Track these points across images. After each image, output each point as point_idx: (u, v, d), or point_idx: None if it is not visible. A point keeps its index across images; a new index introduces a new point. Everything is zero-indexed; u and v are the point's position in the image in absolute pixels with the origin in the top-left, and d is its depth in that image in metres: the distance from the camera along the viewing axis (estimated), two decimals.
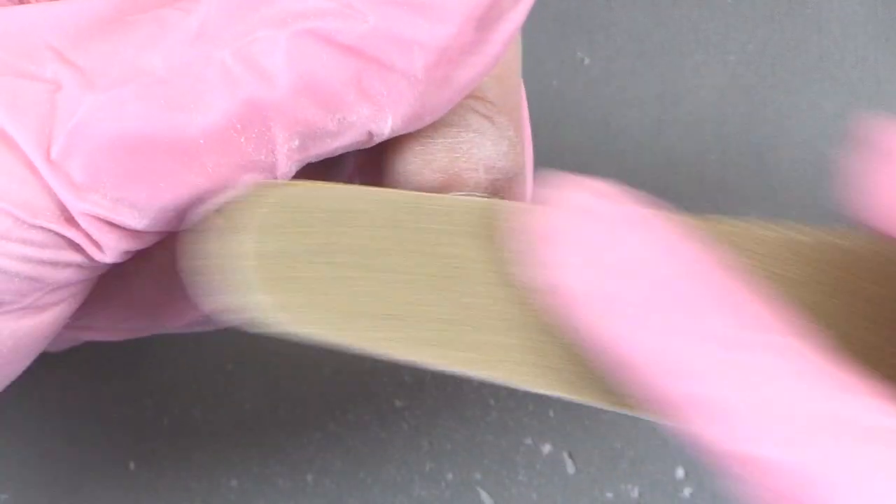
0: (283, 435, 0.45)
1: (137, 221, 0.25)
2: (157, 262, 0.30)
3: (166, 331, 0.32)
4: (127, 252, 0.26)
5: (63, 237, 0.25)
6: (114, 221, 0.25)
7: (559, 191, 0.24)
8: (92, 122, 0.24)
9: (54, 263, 0.25)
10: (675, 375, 0.22)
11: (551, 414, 0.45)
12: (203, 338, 0.45)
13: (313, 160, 0.25)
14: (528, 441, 0.45)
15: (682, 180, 0.50)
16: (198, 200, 0.25)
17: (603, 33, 0.52)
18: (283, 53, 0.24)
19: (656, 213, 0.24)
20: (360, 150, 0.29)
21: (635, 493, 0.45)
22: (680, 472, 0.45)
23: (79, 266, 0.26)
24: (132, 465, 0.44)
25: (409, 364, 0.25)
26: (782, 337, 0.23)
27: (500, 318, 0.25)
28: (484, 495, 0.44)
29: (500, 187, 0.27)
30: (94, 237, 0.25)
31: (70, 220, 0.25)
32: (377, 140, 0.25)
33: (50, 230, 0.25)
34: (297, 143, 0.25)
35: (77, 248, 0.25)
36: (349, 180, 0.33)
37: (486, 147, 0.27)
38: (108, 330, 0.31)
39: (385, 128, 0.25)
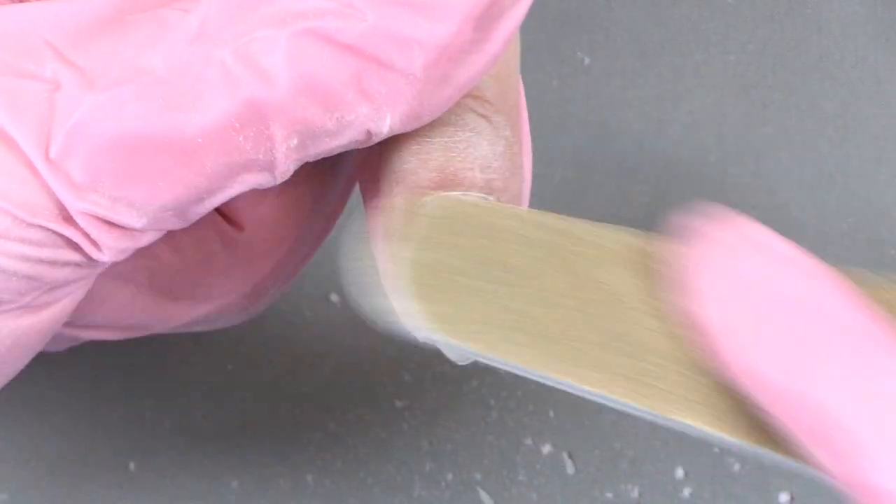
0: (283, 435, 0.45)
1: (136, 221, 0.25)
2: (155, 262, 0.30)
3: (166, 331, 0.32)
4: (125, 251, 0.26)
5: (62, 236, 0.25)
6: (112, 221, 0.25)
7: (711, 224, 0.25)
8: (91, 122, 0.24)
9: (53, 262, 0.25)
10: (804, 404, 0.23)
11: (551, 414, 0.45)
12: (203, 338, 0.45)
13: (312, 159, 0.25)
14: (528, 441, 0.45)
15: (682, 180, 0.50)
16: (196, 200, 0.25)
17: (603, 33, 0.52)
18: (282, 53, 0.24)
19: (801, 253, 0.25)
20: (361, 151, 0.29)
21: (635, 493, 0.45)
22: (680, 472, 0.45)
23: (77, 265, 0.26)
24: (132, 465, 0.44)
25: (551, 384, 0.25)
26: None
27: (650, 347, 0.25)
28: (484, 495, 0.44)
29: (496, 187, 0.27)
30: (92, 236, 0.25)
31: (69, 219, 0.25)
32: (376, 139, 0.25)
33: (48, 229, 0.25)
34: (295, 142, 0.24)
35: (75, 247, 0.25)
36: (349, 180, 0.33)
37: (482, 146, 0.27)
38: (108, 329, 0.31)
39: (384, 127, 0.25)
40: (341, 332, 0.46)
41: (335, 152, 0.25)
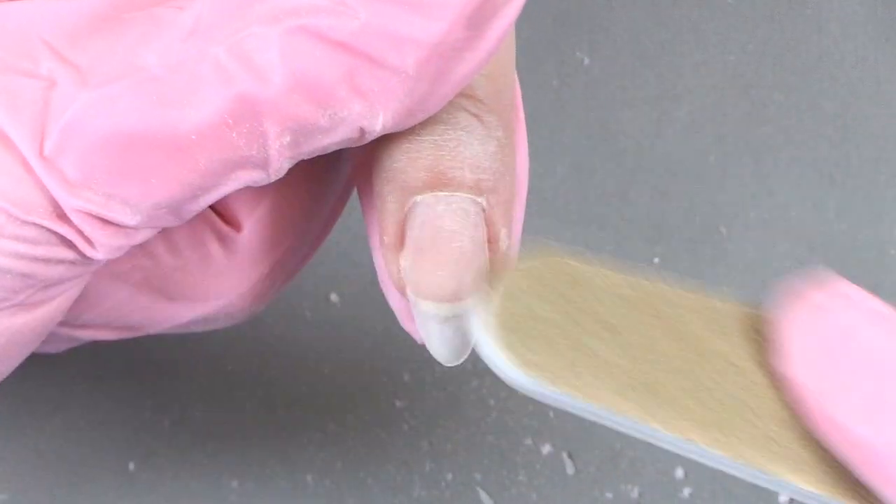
0: (283, 435, 0.45)
1: (130, 218, 0.25)
2: (151, 261, 0.30)
3: (163, 331, 0.32)
4: (120, 248, 0.26)
5: (56, 234, 0.25)
6: (106, 218, 0.25)
7: (808, 287, 0.25)
8: (85, 119, 0.24)
9: (47, 260, 0.25)
10: None
11: (551, 415, 0.45)
12: (203, 338, 0.45)
13: (306, 157, 0.25)
14: (528, 441, 0.45)
15: (682, 180, 0.50)
16: (190, 197, 0.25)
17: (603, 33, 0.52)
18: (275, 50, 0.24)
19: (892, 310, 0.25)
20: (356, 153, 0.29)
21: (635, 494, 0.45)
22: (680, 472, 0.45)
23: (72, 263, 0.26)
24: (132, 465, 0.44)
25: (653, 439, 0.25)
26: None
27: (755, 408, 0.26)
28: (484, 496, 0.44)
29: (486, 188, 0.27)
30: (86, 234, 0.25)
31: (63, 216, 0.25)
32: (369, 137, 0.25)
33: (43, 227, 0.25)
34: (288, 139, 0.24)
35: (70, 244, 0.25)
36: (348, 181, 0.33)
37: (473, 146, 0.27)
38: (105, 329, 0.31)
39: (377, 124, 0.25)
40: (341, 332, 0.46)
41: (329, 150, 0.25)
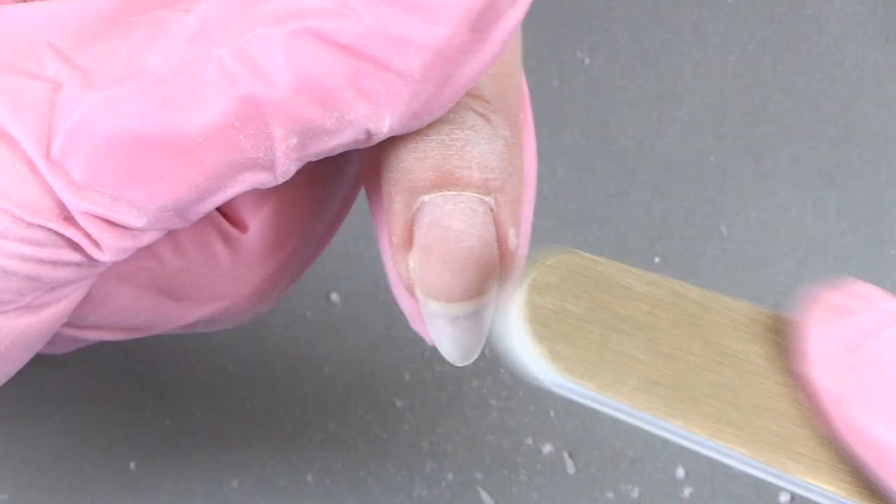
0: (283, 434, 0.45)
1: (136, 220, 0.25)
2: (156, 262, 0.30)
3: (166, 331, 0.32)
4: (126, 251, 0.26)
5: (62, 236, 0.25)
6: (113, 220, 0.25)
7: (830, 291, 0.25)
8: (91, 121, 0.24)
9: (53, 262, 0.25)
10: None
11: (552, 414, 0.45)
12: (203, 338, 0.45)
13: (313, 159, 0.25)
14: (529, 441, 0.45)
15: (682, 180, 0.50)
16: (196, 199, 0.25)
17: (603, 33, 0.52)
18: (280, 52, 0.24)
19: None
20: (364, 154, 0.29)
21: (635, 493, 0.45)
22: (680, 472, 0.45)
23: (77, 265, 0.26)
24: (132, 465, 0.44)
25: (670, 434, 0.26)
26: None
27: (774, 409, 0.26)
28: (484, 495, 0.44)
29: (494, 187, 0.27)
30: (93, 236, 0.25)
31: (69, 218, 0.25)
32: (376, 139, 0.25)
33: (49, 229, 0.25)
34: (295, 141, 0.24)
35: (76, 247, 0.25)
36: (354, 183, 0.33)
37: (480, 145, 0.27)
38: (109, 330, 0.31)
39: (383, 126, 0.25)
40: (341, 332, 0.46)
41: (336, 152, 0.25)
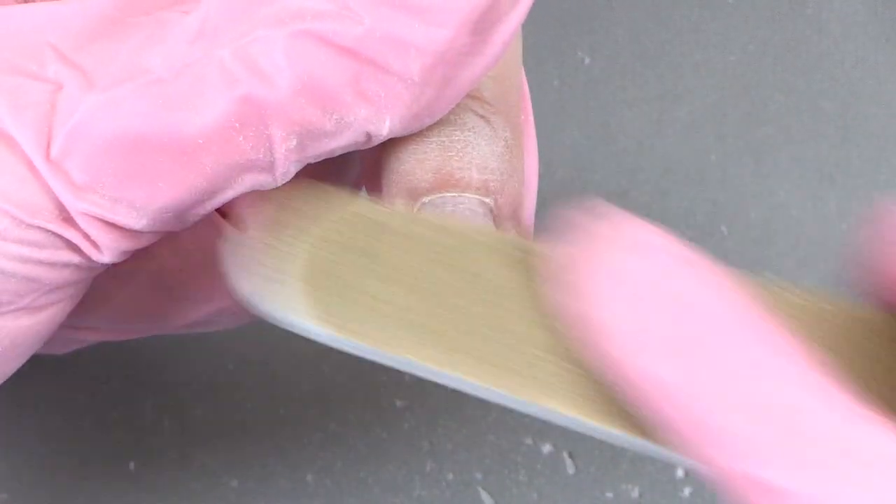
0: (283, 435, 0.45)
1: (136, 221, 0.25)
2: (156, 263, 0.30)
3: (166, 331, 0.32)
4: (125, 252, 0.26)
5: (61, 237, 0.25)
6: (112, 221, 0.25)
7: (601, 223, 0.25)
8: (91, 122, 0.24)
9: (52, 264, 0.25)
10: (698, 407, 0.23)
11: None
12: (203, 338, 0.45)
13: (312, 161, 0.25)
14: (529, 441, 0.45)
15: (682, 180, 0.50)
16: (196, 201, 0.25)
17: (603, 33, 0.52)
18: (281, 53, 0.24)
19: (695, 254, 0.25)
20: (366, 155, 0.29)
21: (635, 493, 0.45)
22: (680, 472, 0.45)
23: (77, 266, 0.26)
24: (132, 465, 0.44)
25: (435, 378, 0.25)
26: (810, 372, 0.23)
27: (532, 340, 0.25)
28: (484, 495, 0.44)
29: (494, 188, 0.27)
30: (92, 237, 0.25)
31: (68, 219, 0.25)
32: (376, 141, 0.25)
33: (48, 230, 0.25)
34: (294, 142, 0.25)
35: (75, 248, 0.25)
36: (356, 185, 0.33)
37: (480, 147, 0.27)
38: (107, 330, 0.31)
39: (383, 129, 0.25)
40: None
41: (336, 154, 0.25)
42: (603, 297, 0.24)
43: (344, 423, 0.45)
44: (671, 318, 0.23)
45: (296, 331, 0.25)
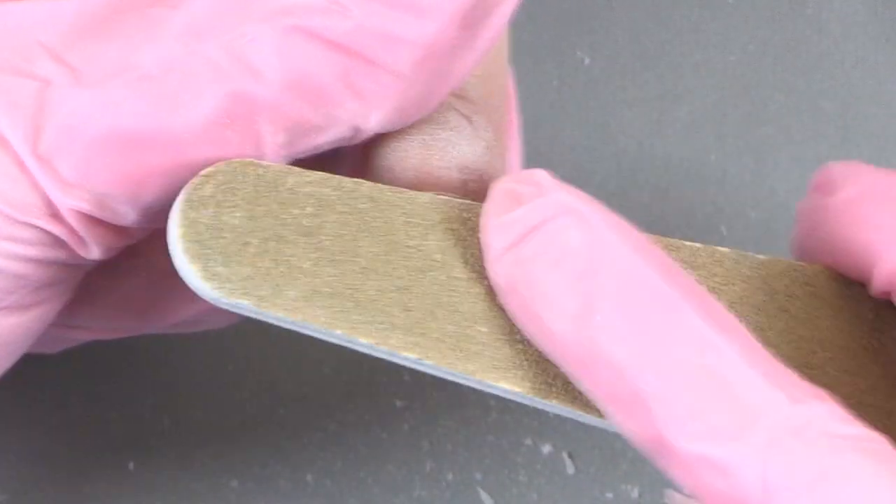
0: (283, 435, 0.45)
1: (124, 217, 0.25)
2: (145, 260, 0.30)
3: (157, 331, 0.32)
4: (114, 249, 0.26)
5: (49, 234, 0.25)
6: (101, 217, 0.25)
7: (522, 185, 0.25)
8: (80, 118, 0.24)
9: (40, 260, 0.25)
10: (625, 370, 0.23)
11: (551, 414, 0.45)
12: (203, 338, 0.45)
13: (301, 156, 0.25)
14: (529, 441, 0.45)
15: (682, 180, 0.50)
16: None
17: (603, 33, 0.52)
18: (270, 49, 0.24)
19: (590, 202, 0.25)
20: (354, 152, 0.29)
21: (635, 494, 0.45)
22: None
23: (65, 263, 0.26)
24: (132, 465, 0.44)
25: (362, 351, 0.25)
26: (748, 342, 0.23)
27: (459, 309, 0.25)
28: (484, 495, 0.44)
29: (474, 189, 0.27)
30: (80, 233, 0.25)
31: (57, 215, 0.25)
32: (363, 136, 0.26)
33: (37, 227, 0.25)
34: (283, 138, 0.25)
35: (63, 245, 0.25)
36: None
37: (461, 146, 0.27)
38: (97, 329, 0.31)
39: (371, 123, 0.25)
40: None
41: (323, 149, 0.26)
42: (529, 263, 0.24)
43: (344, 423, 0.45)
44: (598, 282, 0.23)
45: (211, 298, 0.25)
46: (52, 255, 0.25)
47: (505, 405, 0.45)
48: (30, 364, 0.29)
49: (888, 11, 0.52)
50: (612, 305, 0.23)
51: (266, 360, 0.45)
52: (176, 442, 0.44)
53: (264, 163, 0.25)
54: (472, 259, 0.26)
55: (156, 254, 0.30)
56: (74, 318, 0.30)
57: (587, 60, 0.51)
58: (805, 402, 0.22)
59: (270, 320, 0.25)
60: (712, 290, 0.27)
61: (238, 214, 0.24)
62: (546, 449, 0.45)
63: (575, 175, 0.49)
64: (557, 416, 0.45)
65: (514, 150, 0.30)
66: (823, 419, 0.22)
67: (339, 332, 0.25)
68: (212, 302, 0.24)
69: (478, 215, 0.26)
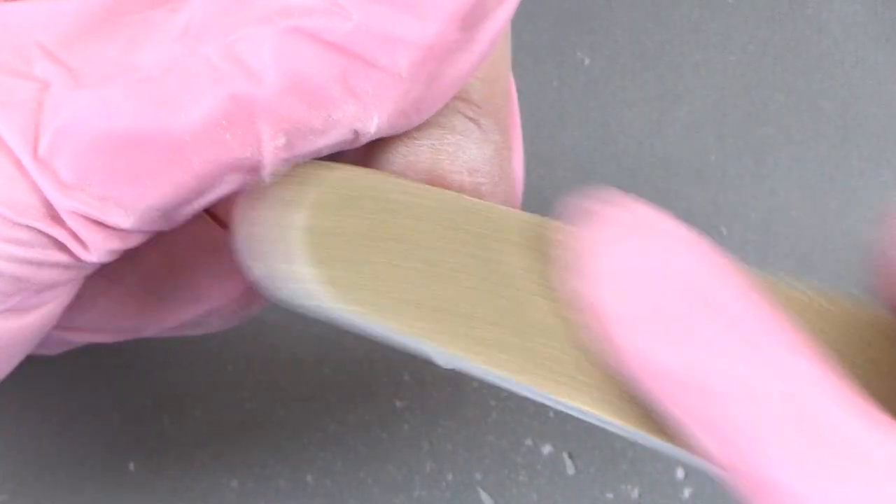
0: (283, 435, 0.45)
1: (124, 220, 0.25)
2: (145, 263, 0.30)
3: (156, 334, 0.32)
4: (113, 251, 0.26)
5: (49, 236, 0.25)
6: (100, 220, 0.25)
7: (608, 207, 0.25)
8: (78, 120, 0.24)
9: (40, 263, 0.25)
10: (698, 392, 0.22)
11: (551, 415, 0.45)
12: (203, 338, 0.45)
13: (300, 159, 0.25)
14: (529, 442, 0.45)
15: (682, 180, 0.50)
16: (184, 199, 0.25)
17: (603, 33, 0.52)
18: (268, 51, 0.24)
19: (698, 238, 0.25)
20: (355, 155, 0.29)
21: (635, 494, 0.45)
22: (680, 473, 0.45)
23: (65, 266, 0.26)
24: (132, 465, 0.44)
25: (436, 359, 0.25)
26: (809, 364, 0.23)
27: (540, 327, 0.25)
28: (484, 496, 0.44)
29: (484, 191, 0.27)
30: (80, 236, 0.25)
31: (56, 218, 0.25)
32: (363, 140, 0.25)
33: (36, 229, 0.25)
34: (282, 140, 0.25)
35: (63, 247, 0.25)
36: None
37: (470, 150, 0.27)
38: (96, 332, 0.31)
39: (371, 126, 0.25)
40: (341, 332, 0.46)
41: (323, 153, 0.25)
42: (606, 280, 0.24)
43: (344, 423, 0.45)
44: (677, 303, 0.23)
45: (305, 310, 0.25)
46: (51, 258, 0.25)
47: (505, 405, 0.45)
48: (30, 364, 0.29)
49: (888, 11, 0.52)
50: (717, 338, 0.23)
51: (266, 360, 0.45)
52: (176, 442, 0.44)
53: (371, 171, 0.25)
54: (553, 276, 0.25)
55: (155, 257, 0.30)
56: (74, 320, 0.30)
57: (587, 60, 0.51)
58: (889, 437, 0.22)
59: (370, 329, 0.25)
60: (809, 331, 0.27)
61: (356, 223, 0.25)
62: (546, 449, 0.45)
63: (575, 175, 0.49)
64: (558, 417, 0.45)
65: (517, 151, 0.30)
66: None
67: (449, 350, 0.24)
68: (313, 308, 0.24)
69: (560, 233, 0.26)
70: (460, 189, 0.27)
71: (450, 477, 0.45)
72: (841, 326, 0.28)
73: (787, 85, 0.51)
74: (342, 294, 0.24)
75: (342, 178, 0.25)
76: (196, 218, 0.29)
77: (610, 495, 0.45)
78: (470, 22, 0.25)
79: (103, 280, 0.29)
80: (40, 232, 0.25)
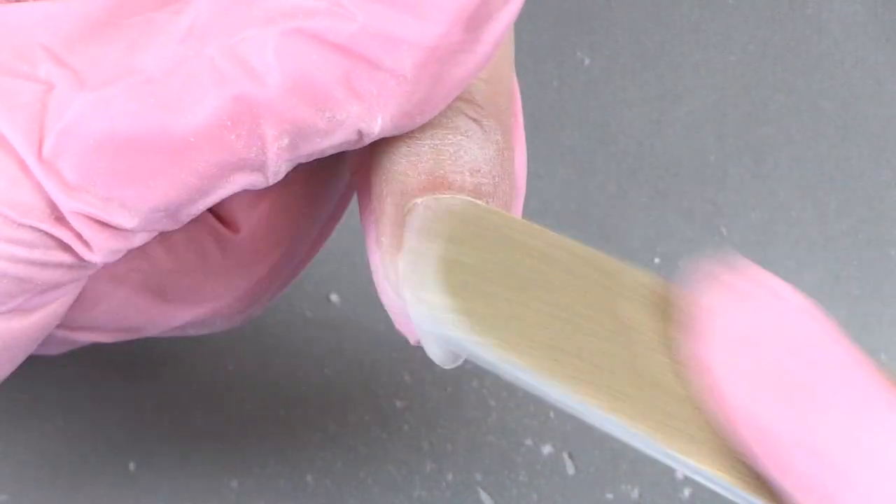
0: (283, 435, 0.45)
1: (128, 221, 0.25)
2: (148, 263, 0.30)
3: (159, 334, 0.32)
4: (117, 252, 0.26)
5: (53, 237, 0.25)
6: (104, 221, 0.25)
7: (727, 271, 0.25)
8: (83, 121, 0.24)
9: (44, 264, 0.25)
10: (812, 457, 0.22)
11: (552, 415, 0.45)
12: (203, 338, 0.45)
13: (304, 160, 0.25)
14: (529, 442, 0.45)
15: (682, 180, 0.50)
16: (188, 200, 0.25)
17: (603, 33, 0.52)
18: (272, 52, 0.24)
19: (810, 304, 0.25)
20: (356, 153, 0.29)
21: (635, 494, 0.45)
22: (680, 473, 0.45)
23: (69, 267, 0.26)
24: (132, 466, 0.44)
25: (558, 403, 0.25)
26: None
27: (658, 382, 0.25)
28: (484, 496, 0.44)
29: (486, 192, 0.27)
30: (84, 237, 0.25)
31: (60, 219, 0.25)
32: (368, 140, 0.25)
33: (40, 230, 0.25)
34: (287, 141, 0.24)
35: (67, 248, 0.25)
36: (349, 184, 0.33)
37: (472, 150, 0.27)
38: (101, 332, 0.31)
39: (375, 127, 0.25)
40: (341, 332, 0.46)
41: (327, 153, 0.25)
42: (722, 344, 0.24)
43: (344, 423, 0.45)
44: (789, 365, 0.23)
45: (446, 342, 0.25)
46: (55, 259, 0.25)
47: (505, 406, 0.45)
48: (30, 365, 0.29)
49: (888, 11, 0.52)
50: (832, 403, 0.23)
51: (266, 361, 0.45)
52: (176, 442, 0.44)
53: (492, 208, 0.26)
54: (671, 335, 0.26)
55: (158, 257, 0.30)
56: (77, 320, 0.30)
57: (587, 60, 0.51)
58: None
59: (504, 367, 0.25)
60: None
61: (489, 260, 0.25)
62: (546, 449, 0.45)
63: (575, 175, 0.49)
64: (558, 417, 0.45)
65: (520, 151, 0.30)
66: None
67: (571, 393, 0.25)
68: (446, 339, 0.25)
69: (679, 294, 0.26)
70: (462, 189, 0.27)
71: (450, 477, 0.45)
72: None
73: (787, 85, 0.51)
74: (479, 326, 0.24)
75: (474, 214, 0.26)
76: (200, 217, 0.29)
77: (610, 495, 0.45)
78: (474, 23, 0.24)
79: (107, 280, 0.29)
80: (44, 233, 0.25)
